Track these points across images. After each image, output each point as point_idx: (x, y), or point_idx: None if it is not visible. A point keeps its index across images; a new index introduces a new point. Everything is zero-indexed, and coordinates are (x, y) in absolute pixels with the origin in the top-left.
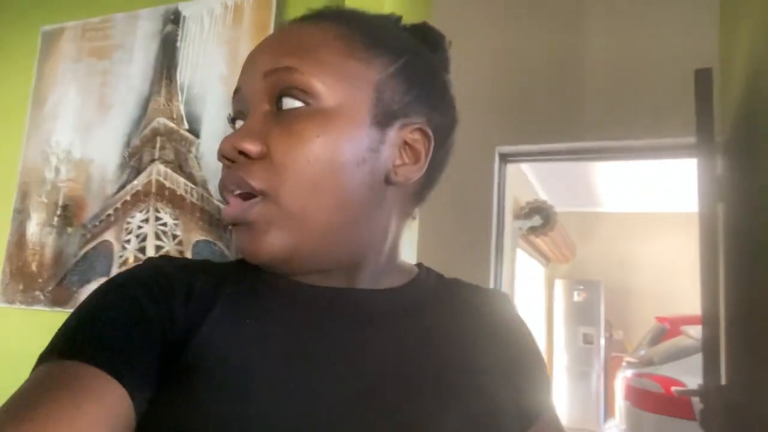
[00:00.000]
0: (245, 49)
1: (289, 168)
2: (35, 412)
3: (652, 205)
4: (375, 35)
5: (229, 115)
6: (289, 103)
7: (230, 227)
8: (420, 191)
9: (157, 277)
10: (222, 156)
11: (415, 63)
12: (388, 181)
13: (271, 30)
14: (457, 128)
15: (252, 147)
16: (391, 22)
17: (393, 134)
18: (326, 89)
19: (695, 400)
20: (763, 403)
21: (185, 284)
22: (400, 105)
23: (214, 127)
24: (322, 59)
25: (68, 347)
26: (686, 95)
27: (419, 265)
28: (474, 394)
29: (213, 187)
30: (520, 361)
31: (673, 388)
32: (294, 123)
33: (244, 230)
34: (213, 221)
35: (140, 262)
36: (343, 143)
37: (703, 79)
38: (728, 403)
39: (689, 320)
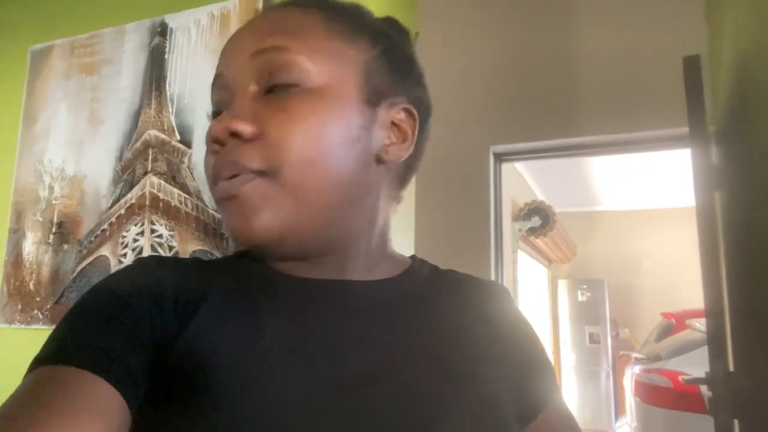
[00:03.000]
0: None
1: (287, 145)
2: (29, 417)
3: (652, 201)
4: (357, 20)
5: (209, 112)
6: (280, 81)
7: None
8: (404, 173)
9: (146, 277)
10: (212, 140)
11: (395, 46)
12: (378, 160)
13: None
14: (432, 113)
15: (246, 127)
16: (366, 11)
17: (383, 114)
18: (316, 68)
19: (705, 392)
20: None
21: (175, 283)
22: (386, 85)
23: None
24: (310, 39)
25: (59, 352)
26: (679, 85)
27: (413, 256)
28: (474, 383)
29: (207, 196)
30: (520, 352)
31: (681, 377)
32: (287, 102)
33: (233, 206)
34: (209, 230)
35: (129, 263)
36: (337, 121)
37: (691, 65)
38: (737, 389)
39: (695, 314)
